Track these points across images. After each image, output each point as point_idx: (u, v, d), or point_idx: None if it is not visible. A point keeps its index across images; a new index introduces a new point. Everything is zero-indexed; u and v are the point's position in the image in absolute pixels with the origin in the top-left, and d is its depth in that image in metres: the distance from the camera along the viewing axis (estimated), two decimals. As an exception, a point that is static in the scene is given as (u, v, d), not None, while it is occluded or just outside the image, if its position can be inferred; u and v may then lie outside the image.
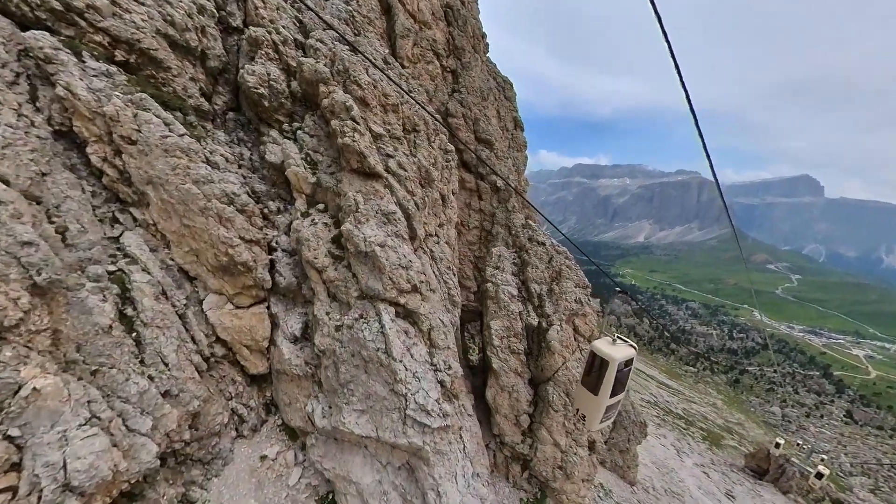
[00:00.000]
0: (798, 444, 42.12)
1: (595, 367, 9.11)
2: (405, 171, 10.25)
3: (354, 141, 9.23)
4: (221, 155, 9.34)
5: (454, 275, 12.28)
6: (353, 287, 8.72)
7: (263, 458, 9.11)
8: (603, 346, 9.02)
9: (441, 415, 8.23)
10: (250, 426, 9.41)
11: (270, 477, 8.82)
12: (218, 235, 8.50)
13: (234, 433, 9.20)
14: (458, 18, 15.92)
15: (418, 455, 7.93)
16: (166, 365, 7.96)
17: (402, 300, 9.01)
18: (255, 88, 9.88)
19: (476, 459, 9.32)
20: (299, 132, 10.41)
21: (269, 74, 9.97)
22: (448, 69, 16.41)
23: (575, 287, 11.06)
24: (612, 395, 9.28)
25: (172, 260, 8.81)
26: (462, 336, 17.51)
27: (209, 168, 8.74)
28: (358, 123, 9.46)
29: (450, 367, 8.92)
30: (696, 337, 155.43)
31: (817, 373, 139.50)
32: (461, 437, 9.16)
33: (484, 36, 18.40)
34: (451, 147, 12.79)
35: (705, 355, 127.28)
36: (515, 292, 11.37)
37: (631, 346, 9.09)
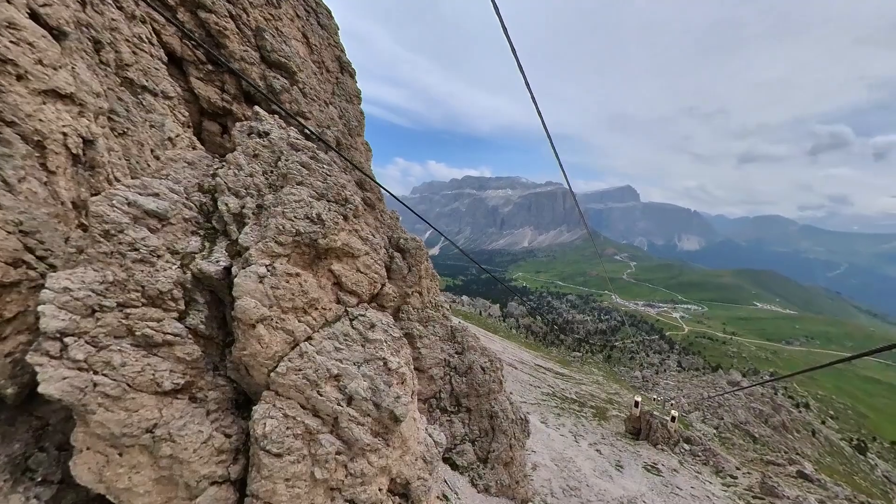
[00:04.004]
0: (654, 399, 50.74)
1: None
2: None
3: None
4: None
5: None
6: None
7: None
8: None
9: None
10: None
11: None
12: None
13: None
14: None
15: None
16: None
17: None
18: None
19: None
20: None
21: None
22: (200, -57, 10.41)
23: (312, 198, 5.20)
24: None
25: None
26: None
27: None
28: None
29: None
30: (576, 325, 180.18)
31: (656, 336, 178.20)
32: None
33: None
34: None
35: (585, 339, 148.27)
36: (179, 211, 4.85)
37: None
